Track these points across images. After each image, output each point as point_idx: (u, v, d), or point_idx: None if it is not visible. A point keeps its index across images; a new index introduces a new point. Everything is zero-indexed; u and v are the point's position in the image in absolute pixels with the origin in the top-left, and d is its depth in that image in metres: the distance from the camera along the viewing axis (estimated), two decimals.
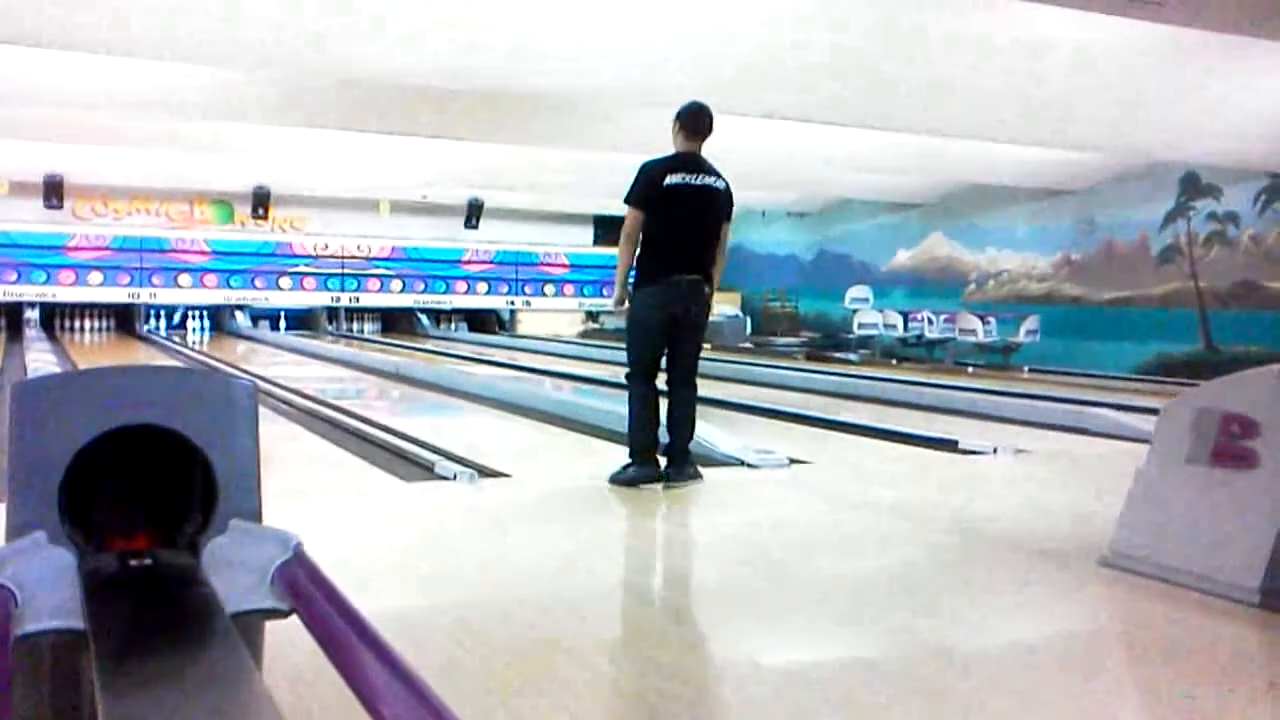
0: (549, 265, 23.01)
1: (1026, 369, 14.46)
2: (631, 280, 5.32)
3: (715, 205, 5.27)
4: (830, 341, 18.14)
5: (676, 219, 5.15)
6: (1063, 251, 15.55)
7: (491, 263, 22.51)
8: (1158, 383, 12.15)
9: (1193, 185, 13.62)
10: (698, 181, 5.21)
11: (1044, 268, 15.84)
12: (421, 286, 21.99)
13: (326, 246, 21.29)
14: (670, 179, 5.15)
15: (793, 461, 6.13)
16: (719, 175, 5.33)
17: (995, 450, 6.70)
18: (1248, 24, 7.02)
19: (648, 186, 5.17)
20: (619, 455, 6.57)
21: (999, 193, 16.07)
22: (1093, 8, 5.33)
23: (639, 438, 5.28)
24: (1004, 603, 3.58)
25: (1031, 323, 14.94)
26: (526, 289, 22.84)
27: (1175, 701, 2.69)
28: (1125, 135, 11.38)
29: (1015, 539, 4.42)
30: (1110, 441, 7.19)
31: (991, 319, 15.20)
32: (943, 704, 2.59)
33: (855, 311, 17.26)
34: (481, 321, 22.79)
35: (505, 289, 22.67)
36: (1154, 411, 3.92)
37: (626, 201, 5.18)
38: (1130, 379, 12.96)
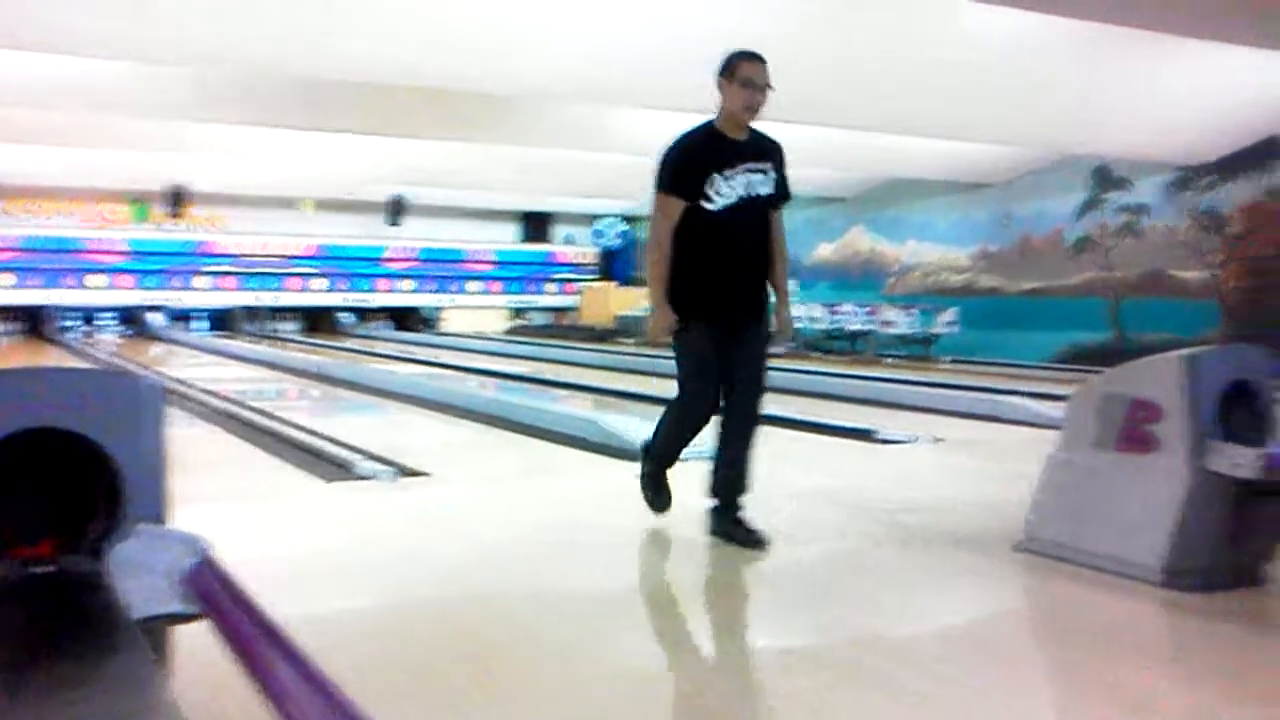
0: (475, 262, 22.87)
1: (946, 359, 14.73)
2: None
3: None
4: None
5: None
6: (981, 244, 15.86)
7: (416, 260, 22.30)
8: (1072, 371, 12.45)
9: (1105, 178, 13.98)
10: None
11: (963, 260, 16.14)
12: (344, 285, 21.71)
13: (246, 246, 20.90)
14: None
15: None
16: None
17: (915, 439, 6.81)
18: (1158, 20, 7.22)
19: None
20: (545, 452, 6.61)
21: (919, 186, 16.34)
22: (1008, 2, 5.44)
23: (669, 459, 4.42)
24: (926, 590, 3.64)
25: (951, 314, 15.23)
26: (452, 286, 22.66)
27: (1090, 679, 2.76)
28: (1040, 129, 11.65)
29: (935, 527, 4.50)
30: (1027, 429, 7.35)
31: (912, 310, 15.46)
32: (873, 691, 2.63)
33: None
34: (406, 320, 22.56)
35: (430, 286, 22.46)
36: (1068, 399, 4.02)
37: None
38: (1046, 368, 13.27)
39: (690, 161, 3.99)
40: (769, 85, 4.01)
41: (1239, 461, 3.30)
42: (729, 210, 3.98)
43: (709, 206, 3.95)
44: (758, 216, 4.07)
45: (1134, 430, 3.54)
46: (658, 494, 4.44)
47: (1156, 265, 13.34)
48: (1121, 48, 8.72)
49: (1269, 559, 3.56)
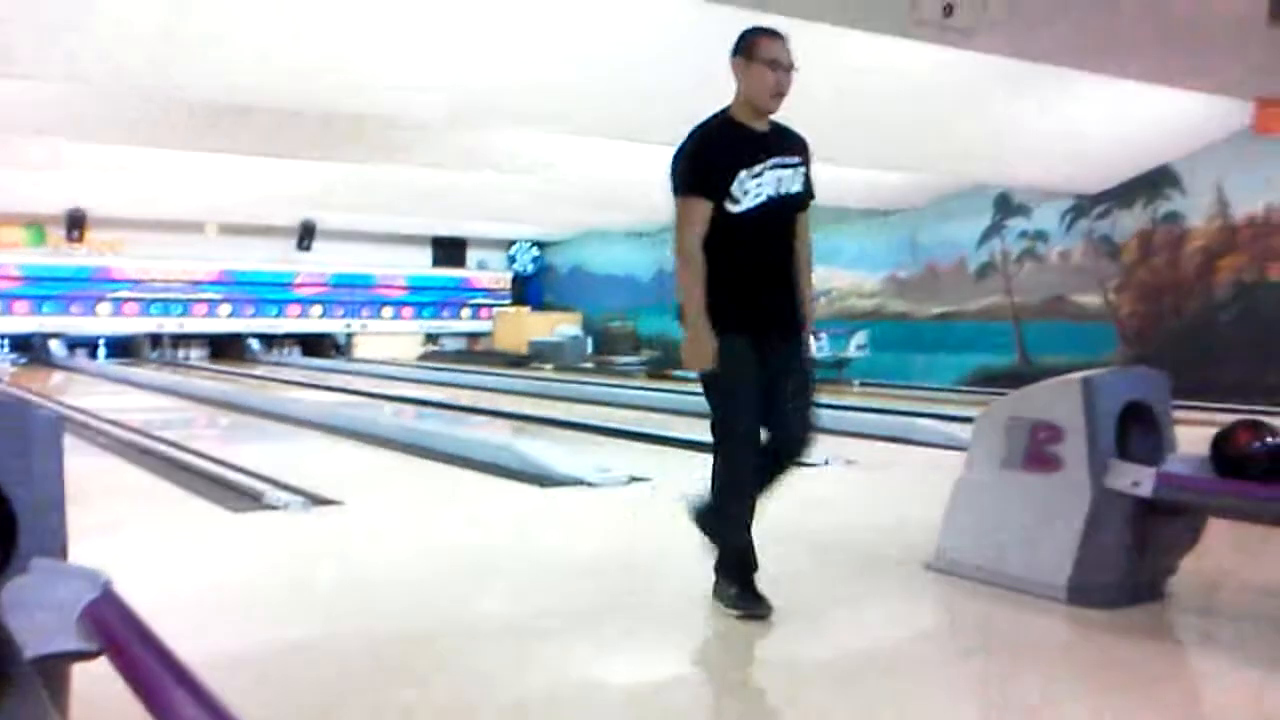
0: (387, 287, 22.60)
1: (858, 383, 14.96)
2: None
3: None
4: (670, 360, 18.34)
5: None
6: (889, 269, 16.17)
7: (326, 285, 21.96)
8: (979, 393, 12.74)
9: (1006, 205, 14.38)
10: None
11: (872, 285, 16.43)
12: (252, 310, 21.27)
13: (149, 271, 20.37)
14: None
15: (632, 479, 6.17)
16: None
17: (827, 462, 6.89)
18: (1053, 55, 7.46)
19: None
20: (460, 479, 6.55)
21: (829, 213, 16.57)
22: (894, 31, 5.59)
23: (732, 534, 3.52)
24: (839, 611, 3.67)
25: (861, 338, 15.51)
26: (363, 312, 22.36)
27: (999, 696, 2.82)
28: (946, 159, 11.95)
29: (848, 548, 4.56)
30: (937, 451, 7.49)
31: (823, 335, 15.68)
32: (790, 712, 2.64)
33: None
34: (316, 346, 22.19)
35: (341, 312, 22.14)
36: (975, 421, 4.11)
37: None
38: (955, 390, 13.57)
39: (713, 157, 3.43)
40: (795, 65, 3.52)
41: (1137, 480, 3.41)
42: (759, 211, 3.43)
43: (735, 208, 3.40)
44: (789, 218, 3.56)
45: (1038, 451, 3.63)
46: (744, 593, 3.43)
47: (1057, 290, 13.75)
48: (1022, 82, 8.99)
49: (1169, 574, 3.68)
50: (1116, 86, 8.59)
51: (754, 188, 3.42)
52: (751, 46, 3.47)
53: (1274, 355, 11.28)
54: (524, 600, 3.75)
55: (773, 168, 3.47)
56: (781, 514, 5.38)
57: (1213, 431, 3.46)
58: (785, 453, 3.52)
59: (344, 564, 4.29)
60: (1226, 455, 3.36)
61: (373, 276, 22.41)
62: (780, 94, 3.50)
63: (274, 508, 5.26)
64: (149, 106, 9.80)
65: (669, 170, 3.49)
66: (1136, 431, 3.64)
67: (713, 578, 3.55)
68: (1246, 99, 7.67)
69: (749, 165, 3.42)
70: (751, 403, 3.42)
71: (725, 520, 3.50)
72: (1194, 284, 12.34)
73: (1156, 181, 12.61)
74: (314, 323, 21.95)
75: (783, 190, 3.50)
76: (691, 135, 3.51)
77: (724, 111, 3.53)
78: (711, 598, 3.50)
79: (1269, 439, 3.32)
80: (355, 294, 22.26)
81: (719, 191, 3.39)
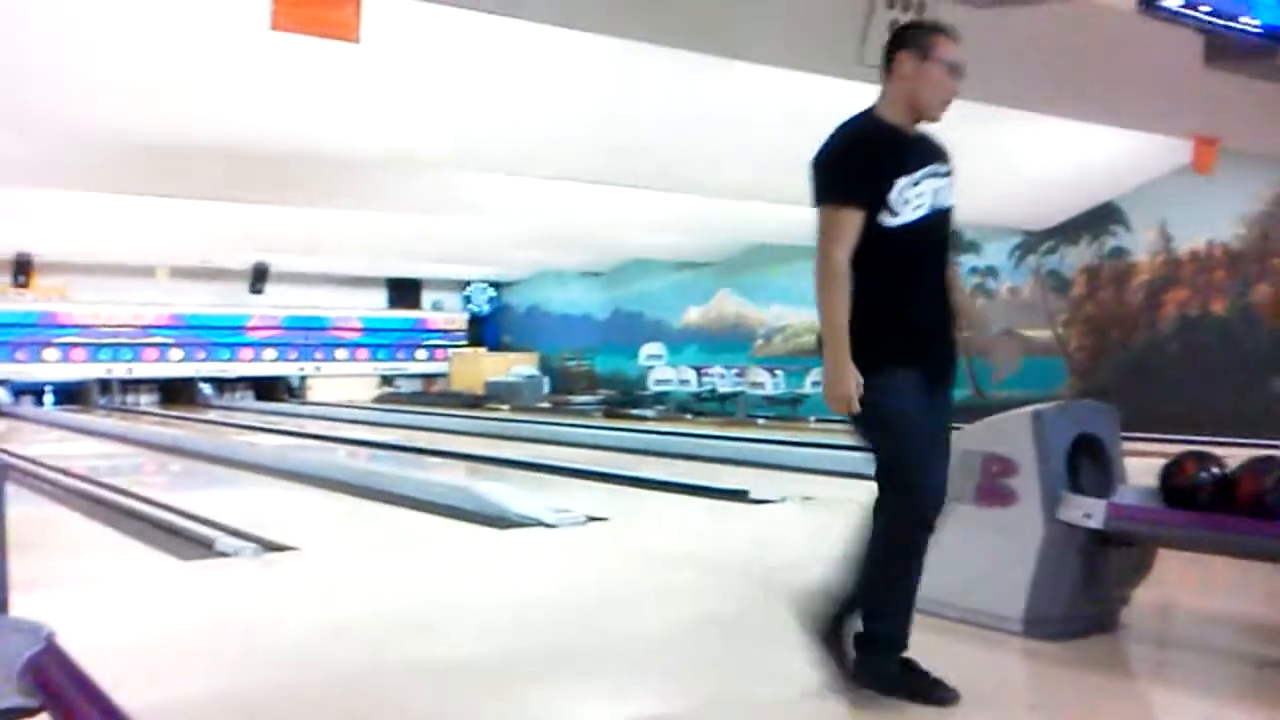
0: (341, 329, 22.45)
1: (814, 419, 15.02)
2: None
3: None
4: (627, 398, 18.37)
5: None
6: None
7: (279, 328, 21.76)
8: None
9: (956, 242, 14.56)
10: None
11: None
12: (203, 354, 21.02)
13: (98, 315, 20.08)
14: None
15: (590, 519, 6.14)
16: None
17: (784, 499, 6.91)
18: (999, 96, 7.61)
19: None
20: (416, 522, 6.48)
21: (782, 251, 16.75)
22: (853, 76, 5.68)
23: (897, 616, 3.06)
24: (795, 648, 3.66)
25: (816, 374, 15.52)
26: (317, 354, 22.17)
27: None
28: None
29: (804, 584, 4.55)
30: None
31: (779, 372, 15.77)
32: None
33: (650, 368, 17.58)
34: (269, 389, 21.94)
35: (294, 355, 21.93)
36: None
37: None
38: None
39: (871, 161, 2.98)
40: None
41: (1089, 512, 3.45)
42: (920, 225, 3.00)
43: (892, 221, 2.95)
44: (946, 233, 3.15)
45: (991, 484, 3.66)
46: (915, 676, 3.00)
47: (1007, 325, 13.93)
48: (969, 120, 9.16)
49: (1122, 605, 3.71)
50: (1061, 126, 8.77)
51: (914, 198, 2.99)
52: (931, 44, 3.01)
53: (1218, 387, 11.50)
54: (484, 644, 3.71)
55: (929, 176, 3.05)
56: (739, 551, 5.40)
57: (1161, 463, 3.52)
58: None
59: (297, 611, 4.23)
60: (1175, 486, 3.41)
61: (327, 319, 22.26)
62: (948, 103, 3.09)
63: (225, 555, 5.17)
64: (96, 152, 9.72)
65: (811, 176, 3.05)
66: (1087, 464, 3.69)
67: (837, 649, 3.11)
68: (1186, 138, 7.86)
69: (909, 172, 2.98)
70: (922, 434, 3.01)
71: (891, 586, 3.03)
72: (1140, 318, 12.57)
73: (1102, 218, 12.87)
74: (267, 366, 21.73)
75: (940, 202, 3.08)
76: (839, 136, 3.06)
77: (869, 112, 3.08)
78: (852, 679, 3.03)
79: (1214, 469, 3.38)
80: (309, 336, 22.08)
81: (876, 201, 2.94)
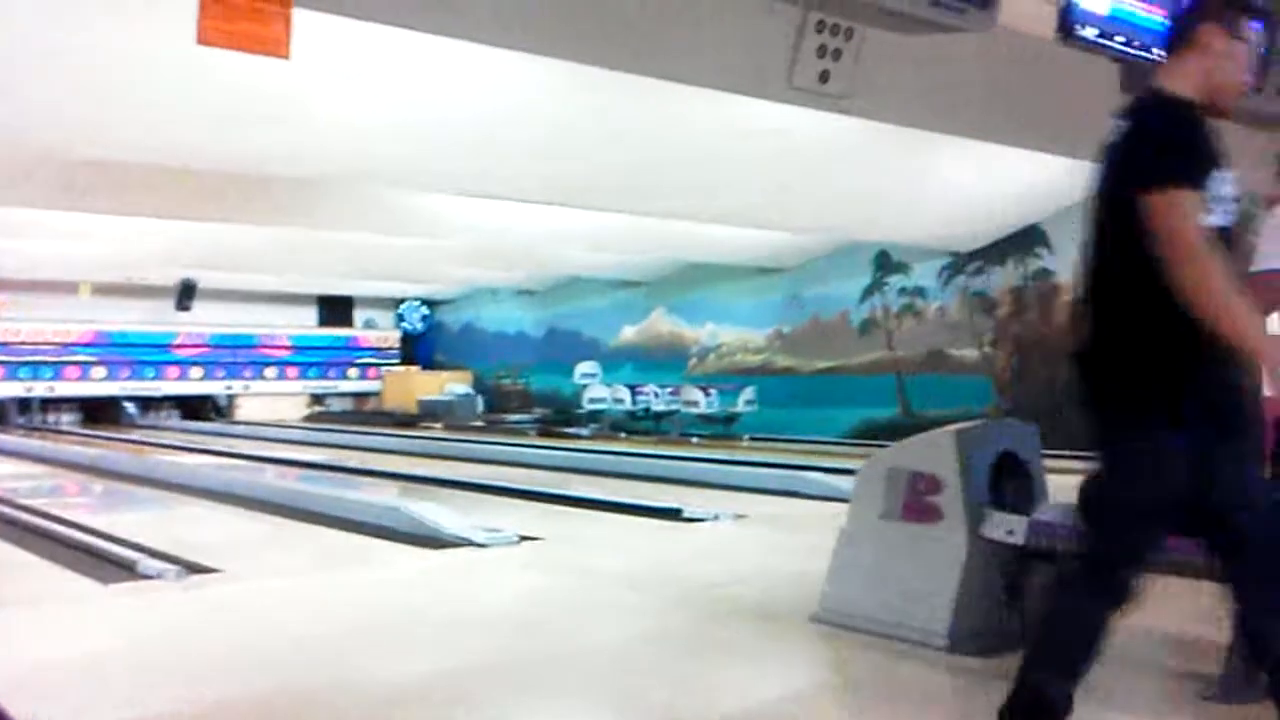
0: (269, 347, 22.12)
1: (747, 437, 15.14)
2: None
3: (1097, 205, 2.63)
4: (561, 417, 18.33)
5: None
6: (775, 325, 16.47)
7: (206, 346, 21.38)
8: (864, 446, 13.00)
9: (886, 263, 14.81)
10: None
11: (759, 341, 16.70)
12: (127, 373, 20.56)
13: (18, 333, 19.56)
14: None
15: (523, 538, 6.12)
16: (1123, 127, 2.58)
17: (717, 517, 6.95)
18: (925, 120, 7.76)
19: None
20: (346, 542, 6.40)
21: (716, 270, 16.88)
22: (784, 99, 5.77)
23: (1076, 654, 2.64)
24: (727, 664, 3.69)
25: (749, 393, 15.72)
26: (245, 373, 21.81)
27: None
28: (826, 218, 12.28)
29: (737, 601, 4.59)
30: (824, 503, 7.60)
31: (713, 390, 15.87)
32: None
33: (585, 387, 17.57)
34: (196, 408, 21.52)
35: (222, 373, 21.55)
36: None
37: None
38: (840, 443, 13.80)
39: (1197, 144, 2.47)
40: None
41: (1011, 528, 3.52)
42: (1219, 233, 2.44)
43: (1205, 220, 2.41)
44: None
45: (916, 502, 3.72)
46: None
47: (936, 344, 14.17)
48: (897, 143, 9.32)
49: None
50: (986, 149, 8.96)
51: (1226, 197, 2.50)
52: (1237, 19, 2.56)
53: None
54: (415, 666, 3.67)
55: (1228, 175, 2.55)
56: (674, 568, 5.42)
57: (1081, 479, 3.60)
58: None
59: (221, 635, 4.15)
60: None
61: (255, 336, 21.92)
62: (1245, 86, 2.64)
63: (147, 578, 5.06)
64: (16, 165, 9.49)
65: (1131, 161, 2.50)
66: (1010, 481, 3.77)
67: None
68: None
69: (1222, 169, 2.50)
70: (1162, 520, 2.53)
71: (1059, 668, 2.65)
72: (1064, 338, 12.84)
73: (1027, 240, 13.15)
74: (193, 385, 21.32)
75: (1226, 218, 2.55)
76: (1160, 117, 2.54)
77: (1172, 93, 2.55)
78: None
79: None
80: (237, 354, 21.72)
81: (1200, 189, 2.43)
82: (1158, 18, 5.07)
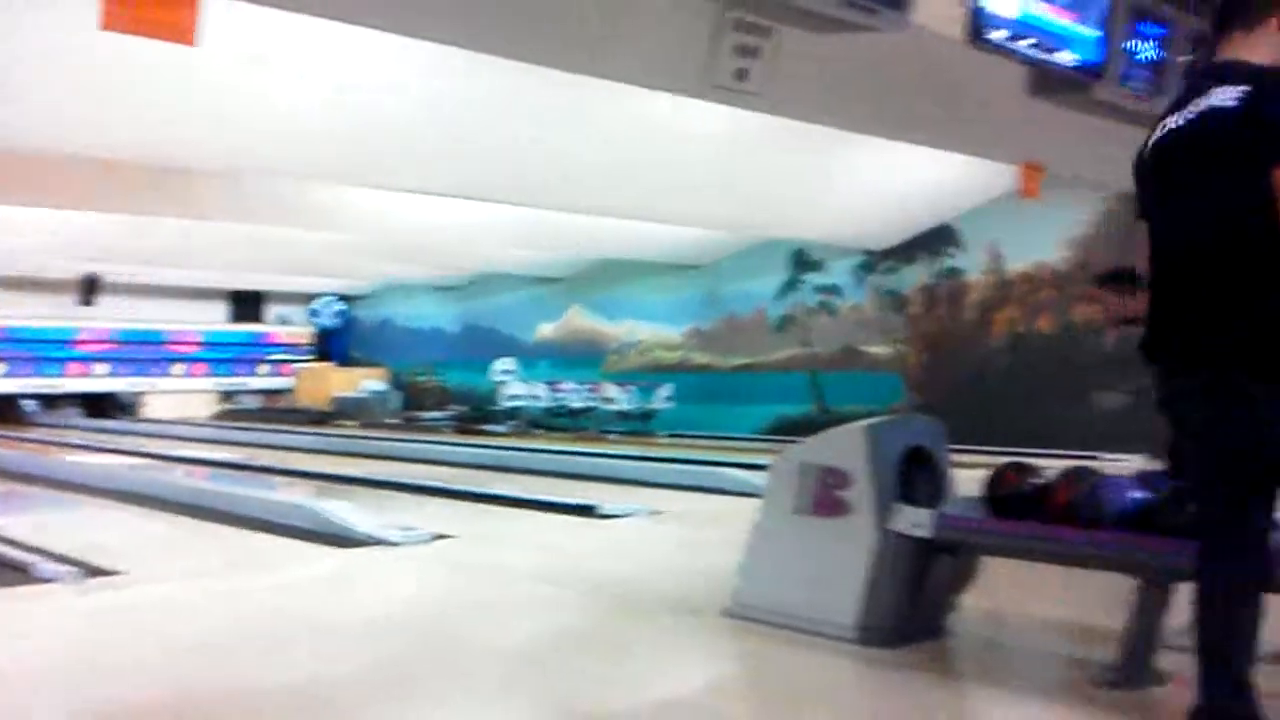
0: (178, 344, 21.58)
1: (664, 434, 15.20)
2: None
3: (1166, 171, 2.68)
4: (479, 414, 18.21)
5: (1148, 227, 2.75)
6: (692, 322, 16.56)
7: (111, 342, 20.77)
8: (779, 442, 13.11)
9: (802, 260, 14.98)
10: (1176, 123, 2.67)
11: (676, 338, 16.78)
12: (28, 370, 19.89)
13: None
14: (1151, 137, 2.76)
15: (437, 536, 6.06)
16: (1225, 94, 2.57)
17: (632, 513, 6.96)
18: (840, 119, 7.85)
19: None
20: (256, 543, 6.27)
21: (634, 267, 16.90)
22: (703, 96, 5.78)
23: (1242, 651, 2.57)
24: (642, 659, 3.69)
25: (666, 390, 15.80)
26: (152, 370, 21.25)
27: None
28: (741, 215, 12.37)
29: (651, 597, 4.60)
30: (738, 499, 7.66)
31: (630, 387, 15.90)
32: None
33: (502, 384, 17.48)
34: (100, 406, 20.89)
35: (128, 370, 20.96)
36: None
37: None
38: (756, 439, 13.94)
39: None
40: None
41: (917, 522, 3.58)
42: None
43: None
44: None
45: (826, 496, 3.77)
46: None
47: (849, 342, 14.38)
48: (812, 142, 9.42)
49: (950, 611, 3.86)
50: (900, 150, 9.10)
51: (1142, 158, 2.70)
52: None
53: (1045, 401, 12.10)
54: (325, 667, 3.60)
55: (1174, 118, 2.69)
56: (589, 565, 5.41)
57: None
58: None
59: (119, 639, 4.02)
60: (997, 496, 3.57)
61: (162, 333, 21.37)
62: None
63: (43, 581, 4.89)
64: None
65: (1264, 133, 2.46)
66: (917, 475, 3.83)
67: None
68: (1014, 164, 8.26)
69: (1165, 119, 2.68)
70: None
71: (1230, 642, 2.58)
72: (972, 335, 13.13)
73: (938, 239, 13.42)
74: (98, 382, 20.70)
75: (1156, 151, 2.71)
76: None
77: (1263, 65, 2.62)
78: None
79: (1034, 480, 3.55)
80: (144, 351, 21.15)
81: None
82: (1065, 22, 5.20)
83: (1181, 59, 5.66)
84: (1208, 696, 2.55)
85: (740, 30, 5.55)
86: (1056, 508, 3.39)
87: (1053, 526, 3.37)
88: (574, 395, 16.39)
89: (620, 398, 15.75)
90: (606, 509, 7.05)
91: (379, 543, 5.86)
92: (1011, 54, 4.94)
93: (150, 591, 4.92)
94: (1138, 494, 3.26)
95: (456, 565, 5.49)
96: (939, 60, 6.45)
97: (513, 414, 17.02)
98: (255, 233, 14.10)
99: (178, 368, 21.54)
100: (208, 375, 21.90)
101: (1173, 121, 2.64)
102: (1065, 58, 5.15)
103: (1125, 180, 2.91)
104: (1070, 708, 3.10)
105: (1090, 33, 5.22)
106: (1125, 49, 5.35)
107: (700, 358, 16.33)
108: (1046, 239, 12.29)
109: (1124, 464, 5.35)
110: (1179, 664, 3.35)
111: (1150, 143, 2.71)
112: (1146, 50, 5.47)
